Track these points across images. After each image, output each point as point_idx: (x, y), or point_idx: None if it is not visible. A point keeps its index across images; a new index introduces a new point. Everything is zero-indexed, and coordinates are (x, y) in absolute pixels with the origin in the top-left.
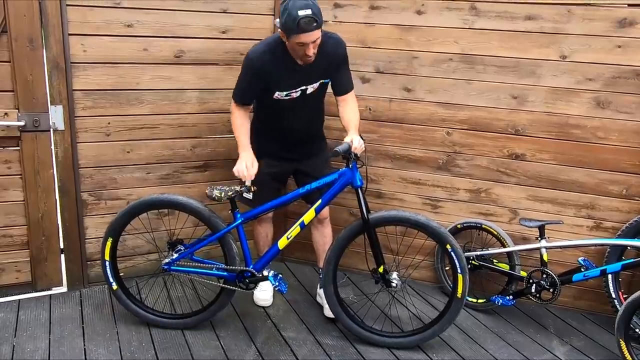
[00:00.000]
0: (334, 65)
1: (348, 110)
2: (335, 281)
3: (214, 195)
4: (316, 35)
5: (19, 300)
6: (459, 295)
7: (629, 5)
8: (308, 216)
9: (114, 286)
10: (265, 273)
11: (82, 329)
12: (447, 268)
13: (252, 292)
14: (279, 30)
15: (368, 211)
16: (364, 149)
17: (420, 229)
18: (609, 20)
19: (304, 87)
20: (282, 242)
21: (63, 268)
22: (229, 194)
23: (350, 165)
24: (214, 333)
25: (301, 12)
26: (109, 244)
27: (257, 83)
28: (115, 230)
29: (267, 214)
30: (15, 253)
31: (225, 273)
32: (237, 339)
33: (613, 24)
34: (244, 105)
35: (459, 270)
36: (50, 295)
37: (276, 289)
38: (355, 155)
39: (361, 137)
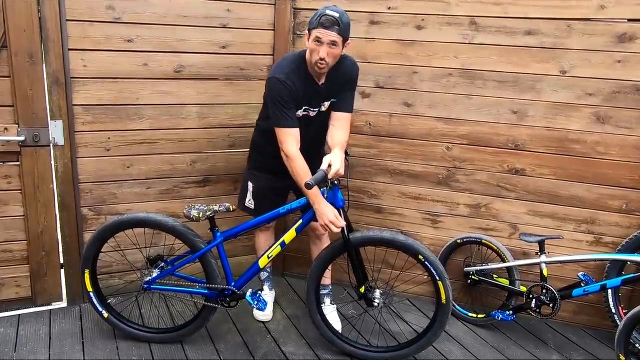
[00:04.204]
0: (347, 85)
1: (338, 130)
2: (319, 300)
3: (192, 216)
4: (333, 37)
5: (19, 315)
6: (443, 301)
7: (629, 20)
8: (289, 236)
9: (105, 314)
10: (264, 289)
11: (82, 344)
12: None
13: (252, 308)
14: (306, 32)
15: (350, 231)
16: (342, 174)
17: (392, 247)
18: (609, 35)
19: (321, 105)
20: (263, 261)
21: (63, 283)
22: (208, 213)
23: (328, 190)
24: (213, 348)
25: (328, 12)
26: (87, 275)
27: (293, 103)
28: (90, 257)
29: (268, 226)
30: (16, 268)
31: (206, 291)
32: (237, 354)
33: (613, 39)
34: (295, 129)
35: (437, 278)
36: (51, 310)
37: (255, 308)
38: (333, 182)
39: (347, 155)
